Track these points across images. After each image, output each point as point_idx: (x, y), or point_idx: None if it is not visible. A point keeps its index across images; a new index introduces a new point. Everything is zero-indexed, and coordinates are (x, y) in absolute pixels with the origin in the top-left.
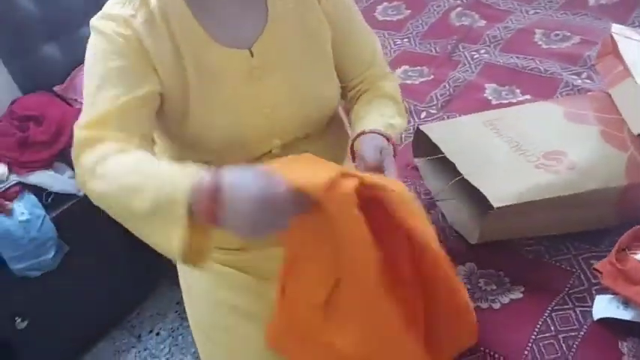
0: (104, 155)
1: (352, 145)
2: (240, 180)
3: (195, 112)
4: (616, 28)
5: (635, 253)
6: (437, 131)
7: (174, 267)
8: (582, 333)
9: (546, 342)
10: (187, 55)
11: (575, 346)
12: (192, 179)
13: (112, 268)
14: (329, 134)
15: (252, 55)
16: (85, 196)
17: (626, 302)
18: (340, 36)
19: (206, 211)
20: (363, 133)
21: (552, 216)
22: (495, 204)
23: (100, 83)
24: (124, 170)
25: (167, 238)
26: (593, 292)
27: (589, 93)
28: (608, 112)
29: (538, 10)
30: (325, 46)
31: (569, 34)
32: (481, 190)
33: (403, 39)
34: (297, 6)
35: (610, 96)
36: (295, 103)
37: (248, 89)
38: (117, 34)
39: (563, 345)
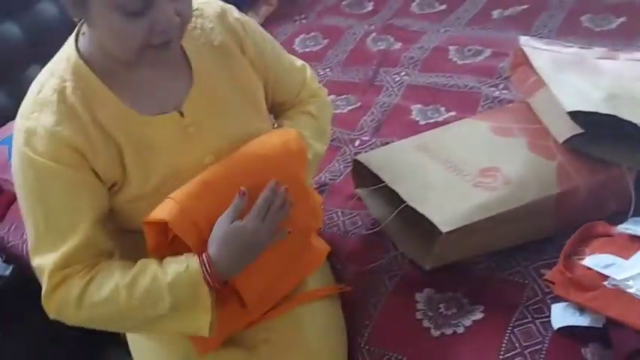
0: (85, 286)
1: None
2: (224, 245)
3: (134, 182)
4: (523, 40)
5: (581, 259)
6: (374, 160)
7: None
8: (546, 345)
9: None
10: (118, 135)
11: (541, 359)
12: (196, 265)
13: (41, 355)
14: None
15: (182, 115)
16: (12, 275)
17: (582, 309)
18: (272, 78)
19: (215, 279)
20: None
21: (497, 232)
22: (443, 229)
23: (48, 218)
24: (119, 293)
25: (193, 321)
26: (548, 301)
27: (510, 105)
28: (530, 123)
29: (448, 28)
30: (256, 93)
31: (480, 48)
32: (427, 216)
33: (325, 69)
34: (221, 60)
35: (529, 105)
36: (233, 148)
37: (186, 146)
38: (49, 158)
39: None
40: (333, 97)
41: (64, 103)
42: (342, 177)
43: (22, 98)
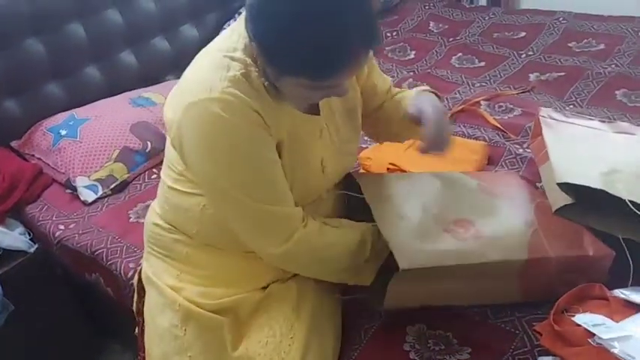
0: (319, 228)
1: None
2: None
3: (285, 168)
4: (543, 112)
5: (572, 315)
6: (364, 178)
7: (124, 330)
8: None
9: None
10: (283, 122)
11: None
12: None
13: (59, 330)
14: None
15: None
16: (36, 254)
17: None
18: (369, 83)
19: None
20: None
21: (459, 285)
22: (402, 265)
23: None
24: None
25: (366, 275)
26: (536, 353)
27: (503, 172)
28: (519, 188)
29: (484, 84)
30: (357, 110)
31: (511, 106)
32: (391, 247)
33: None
34: None
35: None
36: (339, 160)
37: (317, 147)
38: (249, 122)
39: None
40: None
41: (251, 84)
42: None
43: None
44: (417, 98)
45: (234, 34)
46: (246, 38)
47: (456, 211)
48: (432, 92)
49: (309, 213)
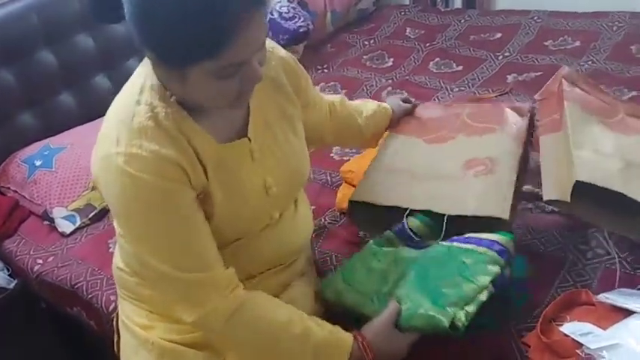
0: (239, 306)
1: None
2: (384, 345)
3: (218, 209)
4: (567, 72)
5: (560, 325)
6: (371, 194)
7: None
8: None
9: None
10: (205, 158)
11: None
12: (348, 348)
13: None
14: (302, 197)
15: (250, 141)
16: (15, 289)
17: None
18: (310, 109)
19: None
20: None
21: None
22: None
23: (183, 240)
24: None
25: None
26: None
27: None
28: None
29: (462, 88)
30: (298, 124)
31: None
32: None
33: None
34: (271, 91)
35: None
36: (287, 178)
37: (252, 171)
38: (162, 178)
39: None
40: (337, 149)
41: (161, 127)
42: (341, 222)
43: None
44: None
45: (140, 75)
46: (151, 75)
47: (447, 165)
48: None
49: (264, 238)
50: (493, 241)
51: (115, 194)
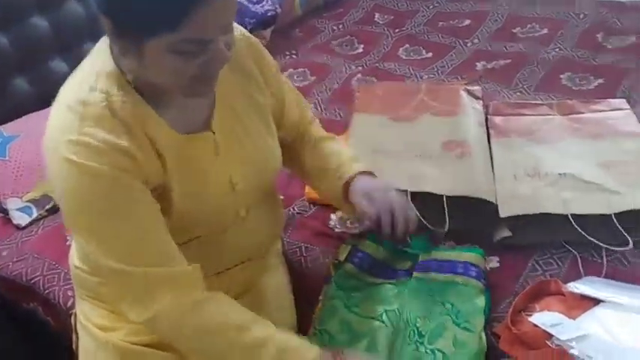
0: (195, 306)
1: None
2: None
3: (177, 204)
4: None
5: (530, 315)
6: None
7: None
8: None
9: None
10: (164, 151)
11: None
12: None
13: None
14: (272, 194)
15: (214, 134)
16: None
17: None
18: (282, 100)
19: None
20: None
21: None
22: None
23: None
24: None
25: None
26: (497, 354)
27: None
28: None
29: (431, 75)
30: (268, 116)
31: None
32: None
33: (310, 105)
34: (240, 80)
35: None
36: (255, 172)
37: (217, 166)
38: (113, 167)
39: None
40: None
41: (116, 117)
42: (310, 212)
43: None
44: (365, 189)
45: (96, 61)
46: (108, 61)
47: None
48: (370, 172)
49: (231, 234)
50: (466, 263)
51: (62, 184)
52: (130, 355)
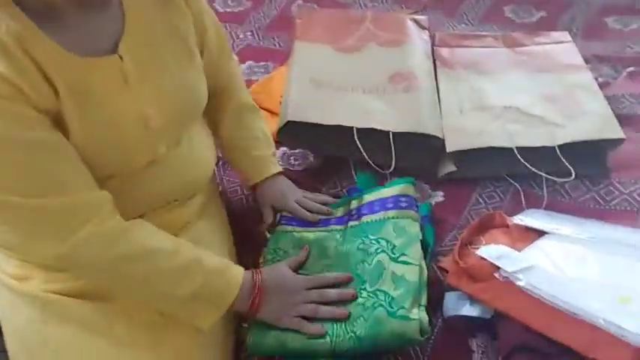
0: (121, 232)
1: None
2: (276, 283)
3: (75, 136)
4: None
5: (476, 248)
6: (308, 113)
7: None
8: (435, 334)
9: (403, 350)
10: (58, 80)
11: (428, 348)
12: (238, 280)
13: None
14: (200, 130)
15: (121, 59)
16: None
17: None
18: (207, 37)
19: (250, 307)
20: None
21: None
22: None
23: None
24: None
25: (197, 317)
26: (444, 288)
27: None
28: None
29: (375, 4)
30: (190, 43)
31: None
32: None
33: (246, 32)
34: (160, 6)
35: None
36: (174, 109)
37: (126, 98)
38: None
39: (419, 350)
40: (251, 63)
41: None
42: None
43: None
44: (271, 200)
45: None
46: None
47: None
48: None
49: (152, 174)
50: (396, 196)
51: None
52: (50, 305)
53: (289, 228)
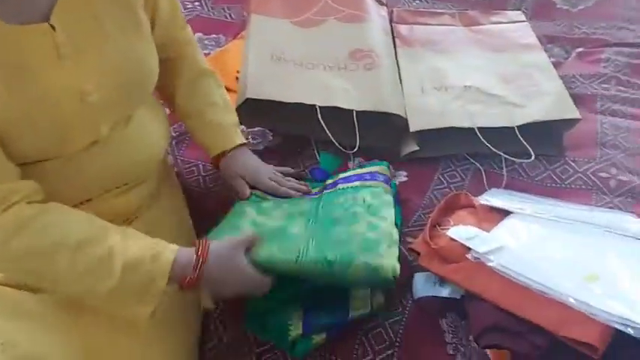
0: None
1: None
2: (218, 260)
3: (2, 112)
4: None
5: (445, 229)
6: (266, 90)
7: None
8: (406, 316)
9: (375, 332)
10: None
11: (400, 330)
12: (165, 270)
13: None
14: (150, 109)
15: (54, 30)
16: None
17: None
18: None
19: (188, 283)
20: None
21: None
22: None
23: None
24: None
25: (128, 309)
26: (412, 269)
27: None
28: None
29: None
30: (138, 12)
31: None
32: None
33: (194, 2)
34: None
35: None
36: (117, 84)
37: (59, 72)
38: None
39: (390, 331)
40: (200, 35)
41: None
42: None
43: None
44: (239, 172)
45: None
46: None
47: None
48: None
49: (96, 155)
50: (373, 172)
51: None
52: None
53: (262, 195)
